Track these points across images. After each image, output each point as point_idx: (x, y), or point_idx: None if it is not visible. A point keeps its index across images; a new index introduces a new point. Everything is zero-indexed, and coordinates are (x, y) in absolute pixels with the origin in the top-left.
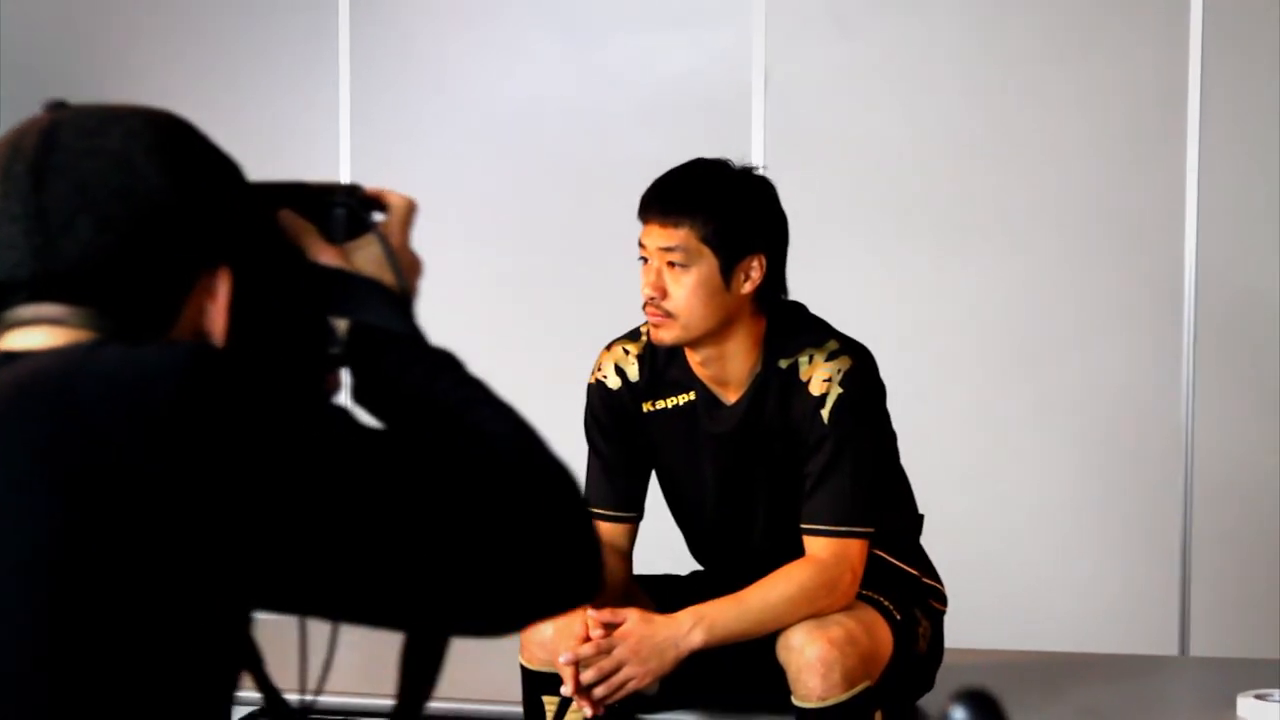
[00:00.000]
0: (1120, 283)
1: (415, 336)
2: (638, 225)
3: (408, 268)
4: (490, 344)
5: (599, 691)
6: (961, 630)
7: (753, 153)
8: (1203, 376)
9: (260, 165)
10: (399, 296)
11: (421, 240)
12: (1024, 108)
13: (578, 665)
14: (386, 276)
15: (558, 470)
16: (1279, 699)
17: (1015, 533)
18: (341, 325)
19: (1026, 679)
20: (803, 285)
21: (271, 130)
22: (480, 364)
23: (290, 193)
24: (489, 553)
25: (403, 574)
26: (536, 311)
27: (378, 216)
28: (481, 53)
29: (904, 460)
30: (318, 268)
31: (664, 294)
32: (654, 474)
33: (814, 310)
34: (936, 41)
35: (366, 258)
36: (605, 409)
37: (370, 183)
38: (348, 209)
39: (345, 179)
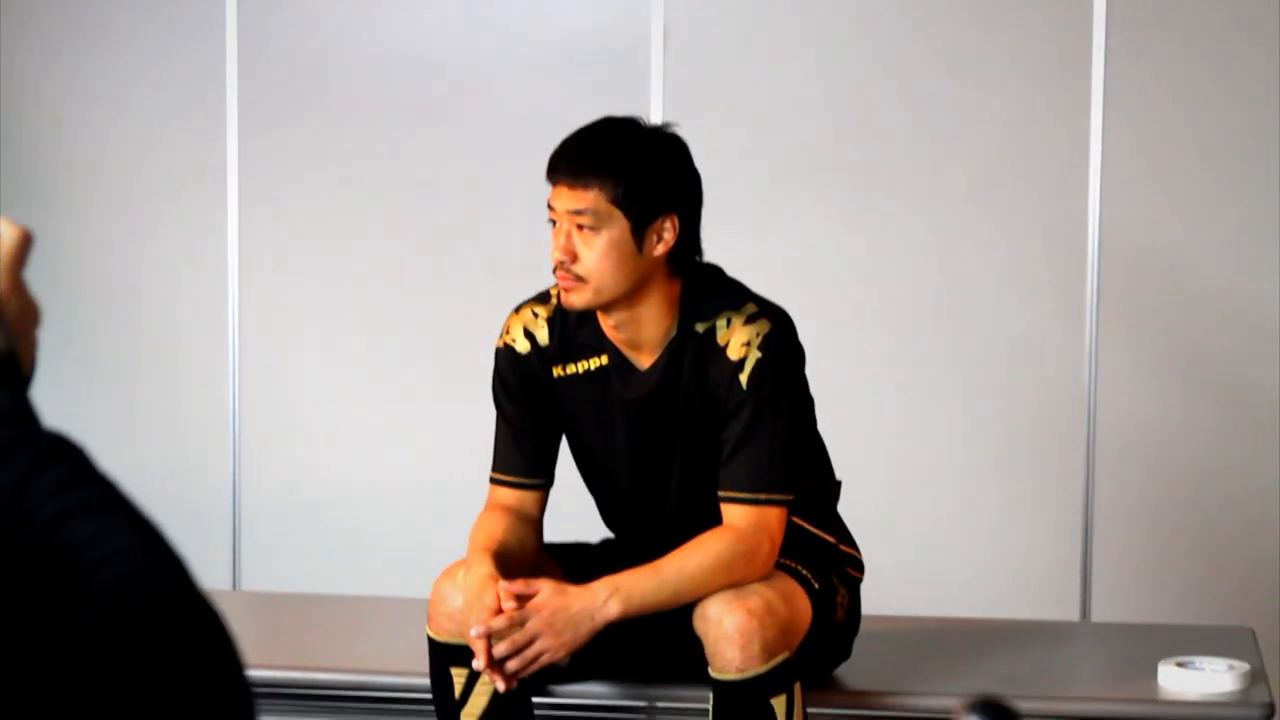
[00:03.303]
0: (1023, 243)
1: (15, 412)
2: (533, 181)
3: (16, 319)
4: (385, 307)
5: (512, 665)
6: (865, 596)
7: (652, 108)
8: (1105, 338)
9: (139, 123)
10: None
11: (312, 196)
12: (928, 64)
13: (490, 638)
14: None
15: (191, 607)
16: (1200, 667)
17: (917, 497)
18: None
19: (944, 647)
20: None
21: (151, 85)
22: (376, 327)
23: None
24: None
25: None
26: (432, 271)
27: None
28: (373, 5)
29: None
30: None
31: (574, 258)
32: (565, 440)
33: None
34: None
35: None
36: (513, 373)
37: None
38: None
39: (231, 136)
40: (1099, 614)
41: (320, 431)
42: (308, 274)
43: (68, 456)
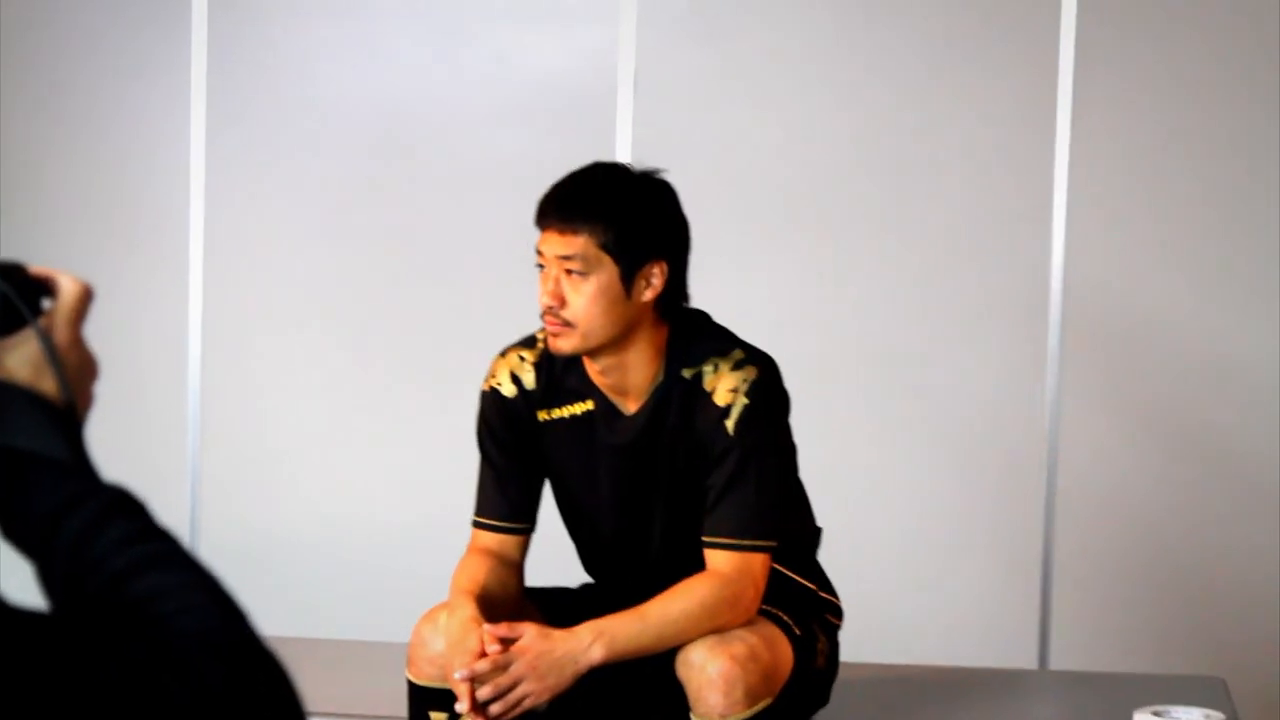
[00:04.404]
0: (987, 290)
1: (77, 465)
2: (500, 223)
3: (75, 372)
4: (356, 345)
5: (495, 709)
6: None
7: (618, 154)
8: (1067, 386)
9: (106, 168)
10: (59, 411)
11: (277, 235)
12: (893, 112)
13: (474, 681)
14: (45, 384)
15: (258, 661)
16: (1177, 716)
17: (876, 544)
18: None
19: (920, 695)
20: None
21: (118, 131)
22: (347, 375)
23: None
24: None
25: None
26: (397, 311)
27: (46, 304)
28: (342, 49)
29: None
30: None
31: (562, 303)
32: (548, 484)
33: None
34: (806, 46)
35: (21, 359)
36: (499, 417)
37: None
38: (1, 295)
39: (198, 183)
40: (1056, 663)
41: (285, 471)
42: (271, 311)
43: (130, 511)
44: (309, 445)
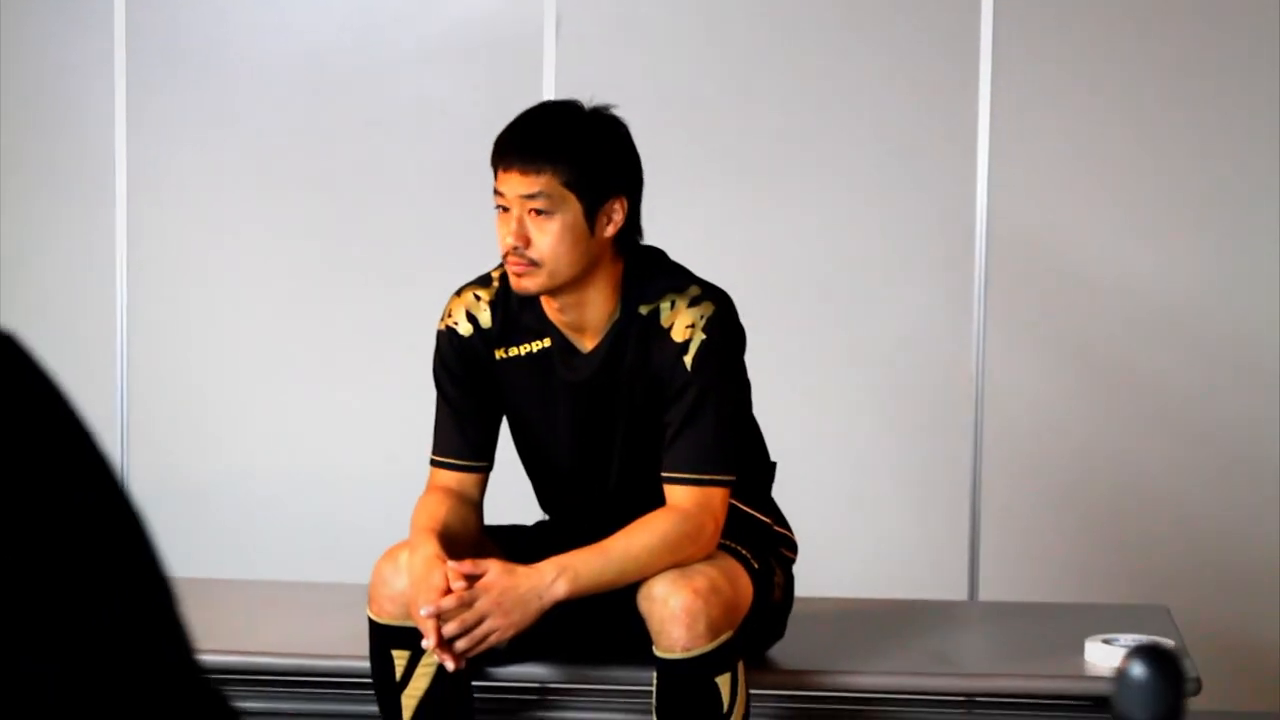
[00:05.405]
0: (912, 231)
1: None
2: (430, 164)
3: None
4: (286, 296)
5: (461, 644)
6: None
7: (544, 97)
8: (993, 322)
9: (30, 115)
10: None
11: (202, 187)
12: (819, 52)
13: (439, 618)
14: None
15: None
16: (1126, 644)
17: (810, 478)
18: None
19: (871, 627)
20: None
21: (39, 78)
22: (278, 319)
23: None
24: None
25: None
26: (330, 257)
27: None
28: None
29: None
30: None
31: (527, 243)
32: (506, 422)
33: None
34: None
35: None
36: (456, 356)
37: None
38: None
39: (120, 130)
40: (985, 596)
41: (219, 416)
42: (198, 258)
43: None
44: (245, 390)
